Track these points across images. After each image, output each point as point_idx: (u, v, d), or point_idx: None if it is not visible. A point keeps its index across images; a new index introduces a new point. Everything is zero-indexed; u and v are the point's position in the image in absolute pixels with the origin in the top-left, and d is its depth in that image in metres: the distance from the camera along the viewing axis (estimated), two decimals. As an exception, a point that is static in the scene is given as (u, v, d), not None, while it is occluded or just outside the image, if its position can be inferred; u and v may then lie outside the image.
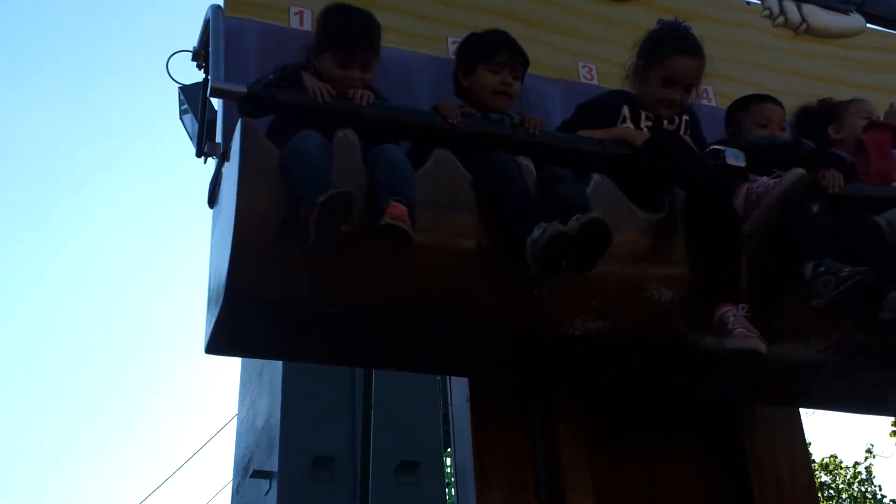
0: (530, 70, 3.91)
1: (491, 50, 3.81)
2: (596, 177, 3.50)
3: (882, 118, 4.42)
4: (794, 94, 4.71)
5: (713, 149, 3.77)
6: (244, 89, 3.32)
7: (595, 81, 4.44)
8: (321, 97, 3.36)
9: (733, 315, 3.25)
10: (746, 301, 3.31)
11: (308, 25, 4.02)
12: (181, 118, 5.24)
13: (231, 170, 3.25)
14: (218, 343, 3.29)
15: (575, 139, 3.69)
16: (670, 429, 3.97)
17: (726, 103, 4.45)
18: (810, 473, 4.05)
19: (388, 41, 3.72)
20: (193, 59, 4.02)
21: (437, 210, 3.22)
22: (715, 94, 4.65)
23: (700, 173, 3.51)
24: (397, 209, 2.99)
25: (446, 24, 4.34)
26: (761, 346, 3.17)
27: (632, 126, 3.88)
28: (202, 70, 4.00)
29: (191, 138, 4.72)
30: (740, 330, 3.20)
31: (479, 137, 3.54)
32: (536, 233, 3.05)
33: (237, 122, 3.25)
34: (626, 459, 3.93)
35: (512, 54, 3.82)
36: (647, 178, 3.56)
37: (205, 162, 3.86)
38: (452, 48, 4.16)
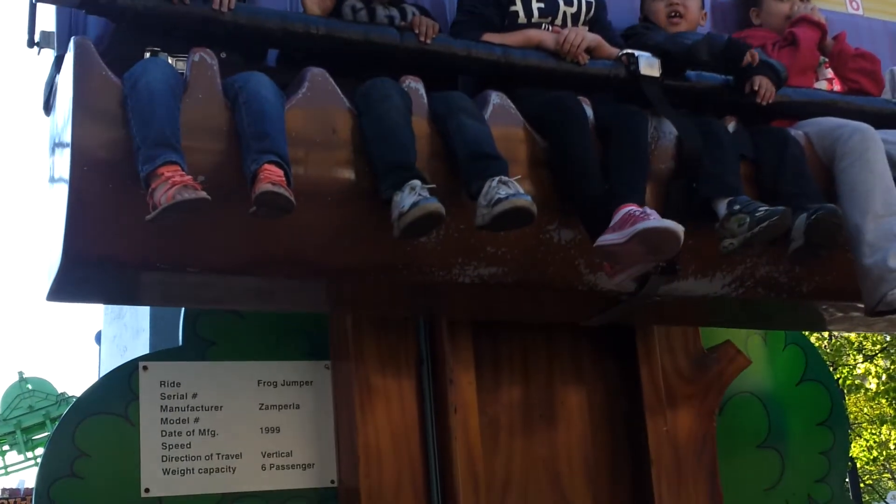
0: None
1: None
2: (494, 98, 3.07)
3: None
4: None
5: (626, 53, 3.37)
6: None
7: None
8: None
9: (639, 210, 2.83)
10: None
11: None
12: None
13: (64, 99, 2.73)
14: (60, 294, 2.88)
15: (475, 48, 3.19)
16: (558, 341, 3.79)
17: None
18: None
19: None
20: None
21: (309, 149, 2.78)
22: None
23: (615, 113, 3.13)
24: (273, 173, 2.53)
25: None
26: (679, 227, 2.74)
27: (522, 11, 3.42)
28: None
29: None
30: (648, 214, 2.77)
31: (358, 47, 3.03)
32: (407, 199, 2.60)
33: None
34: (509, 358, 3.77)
35: None
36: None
37: (38, 53, 3.26)
38: None
